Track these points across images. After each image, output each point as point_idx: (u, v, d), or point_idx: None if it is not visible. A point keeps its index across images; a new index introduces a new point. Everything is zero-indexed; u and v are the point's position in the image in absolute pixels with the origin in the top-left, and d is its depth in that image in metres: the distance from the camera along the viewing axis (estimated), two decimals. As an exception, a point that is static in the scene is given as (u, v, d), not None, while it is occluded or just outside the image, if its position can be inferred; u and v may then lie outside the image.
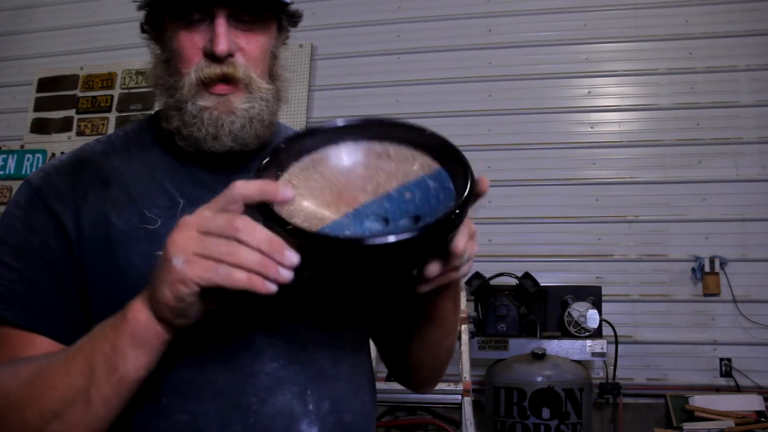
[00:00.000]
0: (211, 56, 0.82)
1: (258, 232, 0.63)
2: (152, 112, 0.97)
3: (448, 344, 0.97)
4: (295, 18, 0.93)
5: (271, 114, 0.88)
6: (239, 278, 0.62)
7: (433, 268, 0.71)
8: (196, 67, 0.83)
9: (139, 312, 0.69)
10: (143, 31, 0.92)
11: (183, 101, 0.83)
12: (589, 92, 3.45)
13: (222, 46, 0.81)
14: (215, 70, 0.82)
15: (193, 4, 0.82)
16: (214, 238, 0.63)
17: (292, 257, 0.63)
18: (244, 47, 0.85)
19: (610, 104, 3.42)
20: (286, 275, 0.63)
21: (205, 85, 0.83)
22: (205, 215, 0.66)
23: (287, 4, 0.89)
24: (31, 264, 0.82)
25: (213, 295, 0.65)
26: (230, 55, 0.83)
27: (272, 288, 0.63)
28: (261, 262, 0.62)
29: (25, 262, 0.82)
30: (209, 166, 0.90)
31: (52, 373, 0.72)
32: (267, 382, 0.80)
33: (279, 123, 0.97)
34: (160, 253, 0.81)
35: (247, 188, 0.65)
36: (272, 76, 0.89)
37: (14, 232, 0.83)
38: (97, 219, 0.83)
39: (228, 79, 0.83)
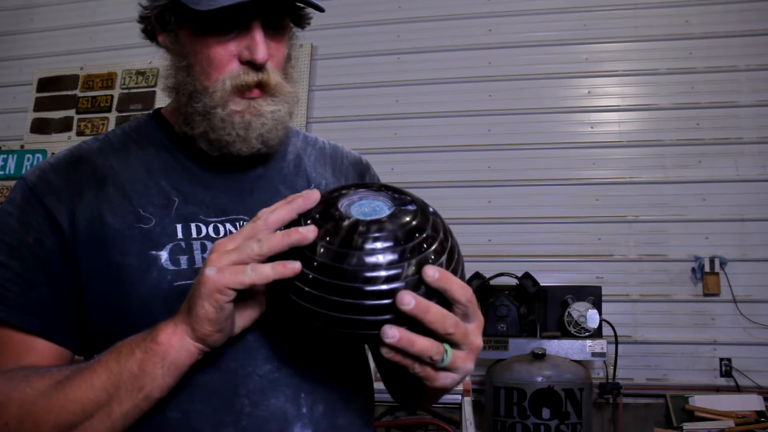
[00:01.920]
0: (250, 64, 0.83)
1: (274, 216, 0.70)
2: (151, 112, 0.97)
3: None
4: (307, 20, 0.94)
5: (290, 116, 0.90)
6: (266, 272, 0.67)
7: (390, 331, 0.64)
8: (230, 75, 0.83)
9: (172, 335, 0.71)
10: (151, 38, 0.91)
11: (213, 107, 0.84)
12: (589, 92, 3.45)
13: (263, 55, 0.83)
14: (253, 77, 0.84)
15: (232, 16, 0.82)
16: (240, 247, 0.69)
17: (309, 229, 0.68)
18: (273, 54, 0.86)
19: (610, 104, 3.42)
20: (309, 233, 0.67)
21: (240, 91, 0.84)
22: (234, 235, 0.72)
23: (311, 7, 0.88)
24: (25, 262, 0.82)
25: (246, 295, 0.69)
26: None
27: (296, 267, 0.66)
28: (281, 236, 0.67)
29: (20, 260, 0.82)
30: (209, 164, 0.90)
31: (73, 386, 0.73)
32: (260, 384, 0.80)
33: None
34: (154, 252, 0.81)
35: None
36: (289, 78, 0.91)
37: (9, 229, 0.83)
38: (92, 217, 0.83)
39: (261, 85, 0.85)
